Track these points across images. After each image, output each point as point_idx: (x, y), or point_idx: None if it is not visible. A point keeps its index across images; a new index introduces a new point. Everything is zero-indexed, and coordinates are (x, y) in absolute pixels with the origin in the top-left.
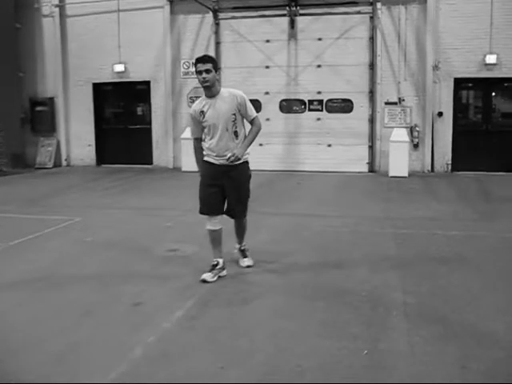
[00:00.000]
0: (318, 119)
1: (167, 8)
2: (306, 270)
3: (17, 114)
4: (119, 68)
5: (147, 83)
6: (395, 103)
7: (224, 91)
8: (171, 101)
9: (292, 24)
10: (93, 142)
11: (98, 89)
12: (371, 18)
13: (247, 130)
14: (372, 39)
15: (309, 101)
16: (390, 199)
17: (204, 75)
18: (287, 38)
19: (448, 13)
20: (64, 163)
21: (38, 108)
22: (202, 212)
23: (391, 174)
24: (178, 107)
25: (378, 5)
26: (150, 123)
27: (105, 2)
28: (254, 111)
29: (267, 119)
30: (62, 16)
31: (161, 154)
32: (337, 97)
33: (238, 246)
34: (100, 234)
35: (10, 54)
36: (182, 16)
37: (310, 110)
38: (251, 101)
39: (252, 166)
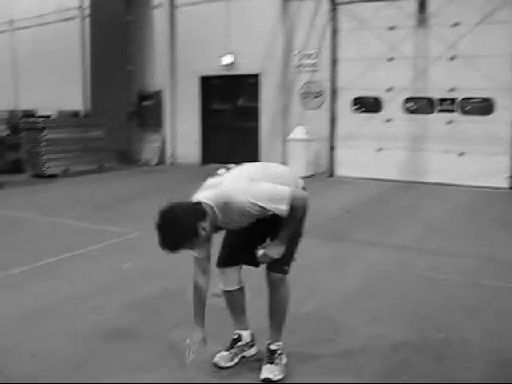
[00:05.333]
0: (450, 122)
1: None
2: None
3: (125, 109)
4: (228, 60)
5: (256, 77)
6: None
7: (223, 207)
8: (281, 96)
9: (422, 6)
10: (198, 139)
11: (206, 82)
12: None
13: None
14: None
15: (439, 99)
16: None
17: (196, 249)
18: (415, 24)
19: None
20: (168, 160)
21: (145, 102)
22: (216, 263)
23: None
24: (288, 104)
25: None
26: (257, 121)
27: None
28: (281, 200)
29: (388, 120)
30: (172, 6)
31: (268, 155)
32: (474, 95)
33: (268, 341)
34: (144, 260)
35: (120, 47)
36: (296, 2)
37: (439, 110)
38: (369, 98)
39: (367, 174)
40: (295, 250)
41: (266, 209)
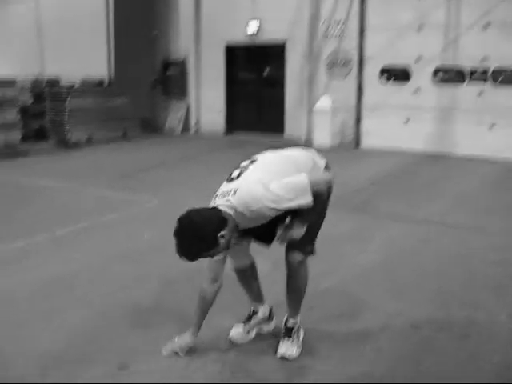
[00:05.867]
0: (481, 93)
1: None
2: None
3: (149, 77)
4: (253, 27)
5: (282, 46)
6: None
7: (242, 215)
8: (307, 65)
9: None
10: (223, 108)
11: (230, 50)
12: None
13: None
14: None
15: (470, 70)
16: None
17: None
18: None
19: None
20: (192, 129)
21: (170, 70)
22: None
23: None
24: (314, 73)
25: None
26: (283, 90)
27: None
28: (304, 192)
29: (417, 90)
30: None
31: (293, 125)
32: (508, 65)
33: (286, 316)
34: (164, 230)
35: (145, 13)
36: None
37: (470, 80)
38: (397, 68)
39: (394, 145)
40: (318, 230)
41: (289, 209)
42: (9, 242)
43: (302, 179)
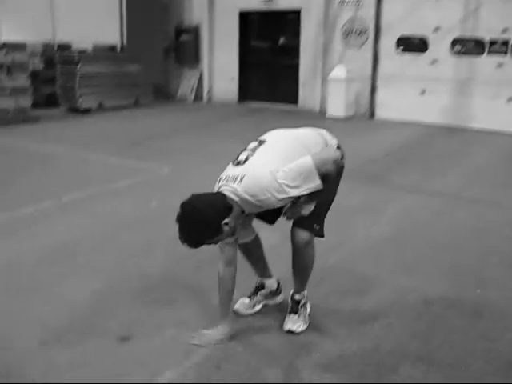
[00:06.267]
0: (500, 65)
1: None
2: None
3: (162, 44)
4: None
5: (297, 14)
6: None
7: (247, 202)
8: (323, 34)
9: None
10: (236, 77)
11: (245, 18)
12: None
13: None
14: None
15: (489, 41)
16: None
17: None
18: None
19: None
20: (205, 97)
21: (183, 37)
22: None
23: None
24: (329, 42)
25: None
26: (297, 58)
27: None
28: (311, 175)
29: (434, 61)
30: None
31: (307, 94)
32: None
33: (292, 290)
34: (172, 198)
35: None
36: None
37: (489, 52)
38: (414, 38)
39: (409, 117)
40: (327, 208)
41: (298, 196)
42: (18, 208)
43: (307, 162)
